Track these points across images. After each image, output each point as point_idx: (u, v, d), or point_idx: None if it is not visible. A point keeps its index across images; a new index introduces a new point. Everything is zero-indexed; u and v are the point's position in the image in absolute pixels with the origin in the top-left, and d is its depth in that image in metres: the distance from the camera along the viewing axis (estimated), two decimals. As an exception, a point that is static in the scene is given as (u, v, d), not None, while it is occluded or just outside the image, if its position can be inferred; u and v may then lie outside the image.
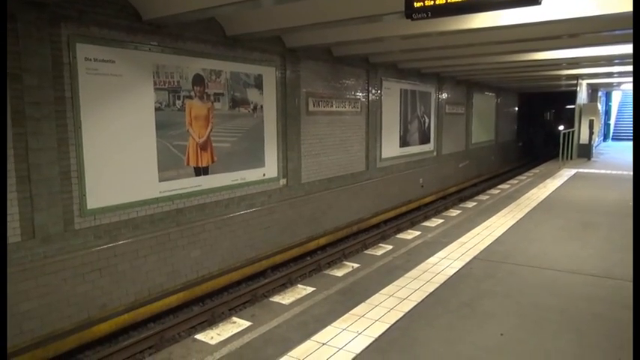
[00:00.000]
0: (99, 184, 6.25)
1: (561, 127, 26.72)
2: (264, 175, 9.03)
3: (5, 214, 5.28)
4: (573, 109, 26.61)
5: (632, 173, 13.19)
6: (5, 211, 5.28)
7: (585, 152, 17.27)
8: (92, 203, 6.21)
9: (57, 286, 5.77)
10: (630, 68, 13.94)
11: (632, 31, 7.43)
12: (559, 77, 17.21)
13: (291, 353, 3.57)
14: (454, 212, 8.49)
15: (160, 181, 7.06)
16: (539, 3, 4.23)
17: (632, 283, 4.92)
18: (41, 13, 5.49)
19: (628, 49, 10.13)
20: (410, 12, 4.59)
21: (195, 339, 3.88)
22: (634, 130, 6.39)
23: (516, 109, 26.73)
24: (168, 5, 6.24)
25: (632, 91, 27.56)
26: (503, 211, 8.51)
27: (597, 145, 22.03)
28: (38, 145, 5.55)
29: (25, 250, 5.50)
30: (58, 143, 5.76)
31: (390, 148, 13.46)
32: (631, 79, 18.27)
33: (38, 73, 5.49)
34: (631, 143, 25.15)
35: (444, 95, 16.63)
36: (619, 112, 32.04)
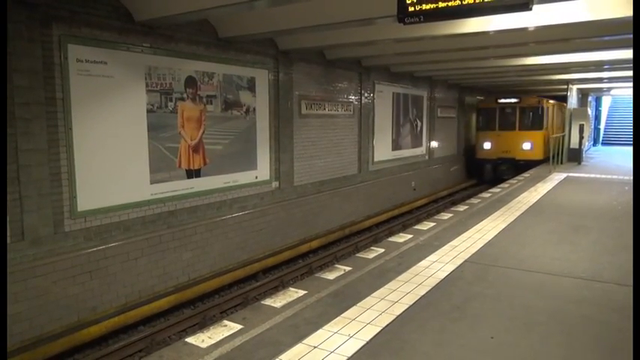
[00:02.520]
0: (89, 185, 6.21)
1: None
2: (256, 177, 9.01)
3: (5, 214, 5.24)
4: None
5: (622, 177, 13.34)
6: (5, 211, 5.23)
7: (575, 156, 17.42)
8: (83, 205, 6.16)
9: (46, 288, 5.71)
10: (620, 74, 14.12)
11: (622, 37, 7.53)
12: (550, 82, 17.37)
13: (282, 356, 3.56)
14: (446, 215, 8.52)
15: (152, 183, 7.02)
16: (530, 9, 4.27)
17: (620, 286, 4.98)
18: (32, 14, 5.46)
19: (617, 54, 10.26)
20: (402, 16, 4.62)
21: (186, 342, 3.85)
22: (634, 131, 6.43)
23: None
24: (161, 7, 6.22)
25: (623, 96, 27.85)
26: (494, 214, 8.55)
27: (587, 150, 22.22)
28: (28, 146, 5.50)
29: (14, 252, 5.45)
30: (48, 144, 5.72)
31: (383, 151, 13.51)
32: (620, 84, 18.49)
33: (28, 74, 5.45)
34: (621, 148, 25.46)
35: (436, 99, 16.71)
36: (609, 116, 32.40)
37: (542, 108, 17.61)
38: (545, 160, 17.14)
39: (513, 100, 17.70)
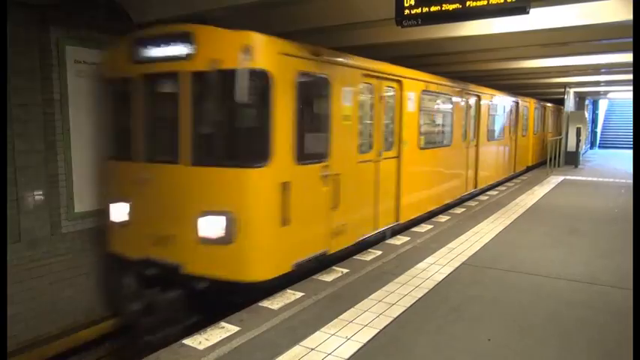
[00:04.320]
0: (87, 187, 6.19)
1: None
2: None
3: (5, 214, 5.23)
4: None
5: (619, 180, 13.39)
6: (5, 211, 5.22)
7: (573, 159, 17.46)
8: (80, 207, 6.15)
9: (43, 290, 5.70)
10: (617, 77, 14.18)
11: (620, 40, 7.57)
12: (548, 85, 17.41)
13: (279, 358, 3.56)
14: (443, 218, 8.53)
15: (149, 184, 6.99)
16: (527, 12, 4.28)
17: (616, 289, 4.99)
18: (30, 15, 5.45)
19: (615, 58, 10.29)
20: (400, 19, 4.62)
21: (183, 344, 3.85)
22: (634, 132, 6.48)
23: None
24: (159, 8, 6.22)
25: (620, 99, 27.98)
26: (491, 217, 8.57)
27: (584, 153, 22.29)
28: (25, 147, 5.49)
29: (10, 253, 5.43)
30: (45, 146, 5.71)
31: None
32: (618, 87, 18.57)
33: (26, 75, 5.44)
34: (618, 151, 25.57)
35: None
36: (606, 120, 32.55)
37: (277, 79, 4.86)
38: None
39: (171, 52, 5.12)
